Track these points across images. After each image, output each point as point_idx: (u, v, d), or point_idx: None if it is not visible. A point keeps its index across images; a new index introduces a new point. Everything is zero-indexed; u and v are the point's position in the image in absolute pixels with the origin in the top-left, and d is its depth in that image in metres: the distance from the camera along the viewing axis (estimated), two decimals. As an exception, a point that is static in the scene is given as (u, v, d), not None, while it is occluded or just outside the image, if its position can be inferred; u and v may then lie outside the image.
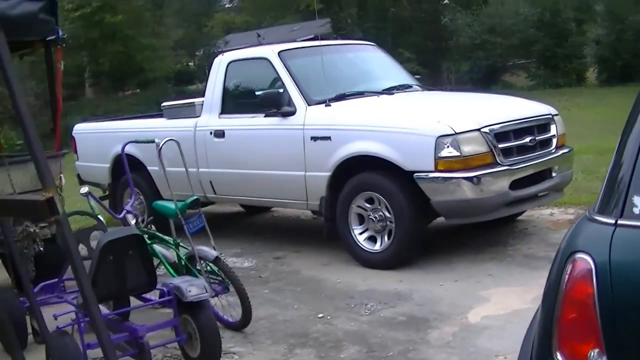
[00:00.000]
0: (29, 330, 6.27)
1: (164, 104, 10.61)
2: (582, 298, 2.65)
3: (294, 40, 10.27)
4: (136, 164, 10.09)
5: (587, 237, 2.81)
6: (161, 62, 39.89)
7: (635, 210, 2.69)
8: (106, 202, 10.94)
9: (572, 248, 2.79)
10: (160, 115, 10.63)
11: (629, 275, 2.60)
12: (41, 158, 2.57)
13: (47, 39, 7.60)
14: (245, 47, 10.08)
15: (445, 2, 48.85)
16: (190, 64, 50.57)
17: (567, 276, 2.72)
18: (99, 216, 6.23)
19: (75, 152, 11.59)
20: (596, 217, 2.82)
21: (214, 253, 6.33)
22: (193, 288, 5.47)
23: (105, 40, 37.13)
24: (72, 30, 35.37)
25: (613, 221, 2.73)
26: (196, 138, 9.53)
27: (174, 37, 47.04)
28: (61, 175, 7.77)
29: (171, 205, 6.50)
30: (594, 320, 2.60)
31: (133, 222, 9.83)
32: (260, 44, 9.96)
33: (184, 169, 6.80)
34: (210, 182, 9.53)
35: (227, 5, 70.06)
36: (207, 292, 5.54)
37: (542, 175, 8.16)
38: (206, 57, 42.10)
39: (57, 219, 2.56)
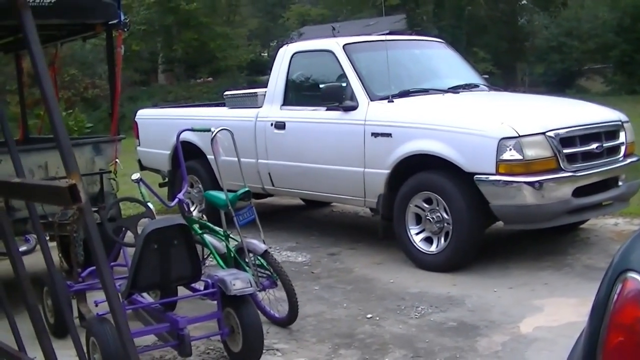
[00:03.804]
0: (75, 314, 6.24)
1: (227, 93, 10.58)
2: (630, 322, 2.45)
3: (369, 35, 10.09)
4: (196, 152, 10.08)
5: (640, 256, 2.62)
6: (234, 51, 40.07)
7: (695, 230, 2.49)
8: (166, 189, 10.98)
9: (623, 266, 2.60)
10: (223, 105, 10.57)
11: (683, 299, 2.40)
12: (65, 143, 2.46)
13: (109, 22, 7.58)
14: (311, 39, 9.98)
15: (523, 2, 48.31)
16: (263, 54, 50.68)
17: (616, 296, 2.53)
18: (149, 203, 6.15)
19: (137, 137, 11.61)
20: (652, 234, 2.62)
21: (262, 246, 6.22)
22: (237, 282, 5.37)
23: (180, 27, 37.40)
24: (147, 15, 35.68)
25: (670, 239, 2.54)
26: (257, 129, 9.45)
27: (248, 27, 47.25)
28: (117, 160, 7.73)
29: (222, 196, 6.41)
30: (643, 347, 2.41)
31: (194, 210, 9.87)
32: (334, 37, 9.79)
33: (240, 159, 6.71)
34: (269, 173, 9.44)
35: (303, -3, 70.05)
36: (251, 286, 5.44)
37: (608, 183, 7.89)
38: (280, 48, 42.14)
39: (80, 206, 2.44)
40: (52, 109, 2.49)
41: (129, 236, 6.08)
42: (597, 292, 2.71)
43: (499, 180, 7.19)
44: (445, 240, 7.65)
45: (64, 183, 2.41)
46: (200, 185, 10.39)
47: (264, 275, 6.26)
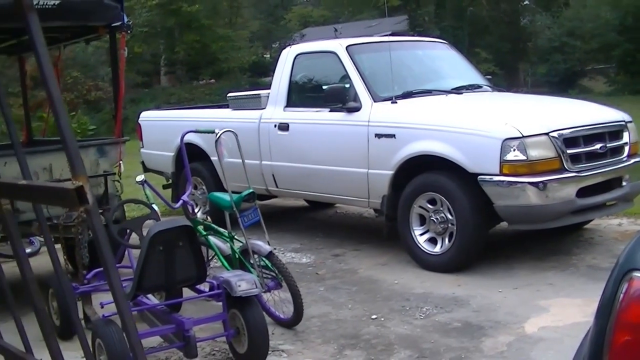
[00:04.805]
0: (80, 316, 6.24)
1: (230, 94, 10.58)
2: (636, 321, 2.46)
3: (371, 36, 10.10)
4: (200, 154, 10.09)
5: (646, 255, 2.62)
6: (236, 53, 40.07)
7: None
8: (169, 191, 10.98)
9: (629, 265, 2.60)
10: (227, 106, 10.57)
11: (689, 298, 2.40)
12: (72, 146, 2.47)
13: (112, 25, 7.59)
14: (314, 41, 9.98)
15: (525, 3, 48.29)
16: (266, 55, 50.68)
17: (622, 296, 2.53)
18: (154, 205, 6.16)
19: (141, 139, 11.61)
20: (657, 233, 2.62)
21: (267, 248, 6.23)
22: (243, 283, 5.38)
23: (182, 29, 37.44)
24: (149, 17, 35.71)
25: (676, 238, 2.54)
26: (260, 130, 9.46)
27: (250, 29, 47.26)
28: (120, 162, 7.74)
29: (226, 197, 6.41)
30: (649, 346, 2.41)
31: (198, 212, 9.87)
32: (336, 38, 9.79)
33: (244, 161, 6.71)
34: (273, 175, 9.44)
35: (305, -1, 70.09)
36: (256, 287, 5.44)
37: (612, 183, 7.88)
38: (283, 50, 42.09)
39: (87, 208, 2.44)
40: (58, 111, 2.49)
41: (134, 238, 6.09)
42: (602, 291, 2.71)
43: (503, 181, 7.18)
44: (449, 241, 7.65)
45: (71, 185, 2.41)
46: (204, 187, 10.39)
47: (269, 276, 6.26)
